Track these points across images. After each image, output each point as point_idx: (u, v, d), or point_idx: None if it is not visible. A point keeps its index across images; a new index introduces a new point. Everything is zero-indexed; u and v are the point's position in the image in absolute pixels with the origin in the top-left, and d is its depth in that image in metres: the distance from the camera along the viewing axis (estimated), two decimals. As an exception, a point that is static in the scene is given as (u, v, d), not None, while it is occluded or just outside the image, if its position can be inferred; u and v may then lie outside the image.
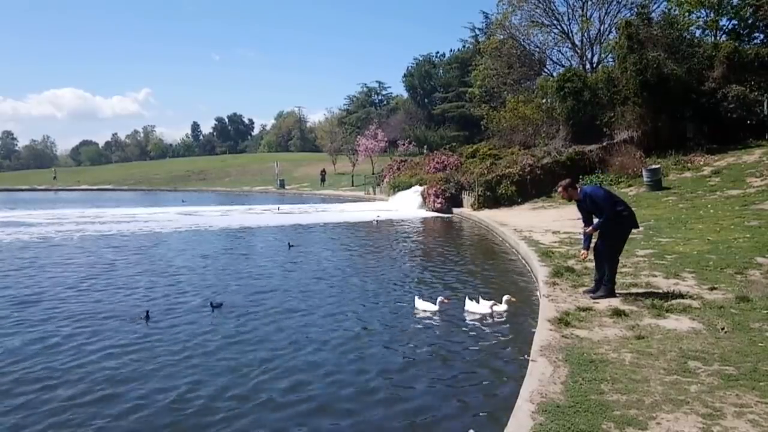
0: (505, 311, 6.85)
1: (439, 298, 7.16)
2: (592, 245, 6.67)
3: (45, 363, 5.53)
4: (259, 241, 15.20)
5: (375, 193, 33.68)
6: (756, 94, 20.58)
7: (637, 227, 6.74)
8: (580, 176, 19.73)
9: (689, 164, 18.41)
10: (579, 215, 6.81)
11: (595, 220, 6.59)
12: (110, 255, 12.51)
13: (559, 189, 6.85)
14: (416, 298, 7.44)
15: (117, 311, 7.44)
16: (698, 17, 25.61)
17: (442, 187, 22.19)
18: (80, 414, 4.40)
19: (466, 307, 7.01)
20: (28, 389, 4.88)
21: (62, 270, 10.68)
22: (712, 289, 6.54)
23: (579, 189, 6.69)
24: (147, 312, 7.03)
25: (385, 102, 78.82)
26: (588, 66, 29.48)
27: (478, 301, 7.05)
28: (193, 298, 8.22)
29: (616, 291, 6.50)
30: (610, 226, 6.37)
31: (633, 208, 6.77)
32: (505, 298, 7.02)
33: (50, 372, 5.30)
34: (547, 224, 13.65)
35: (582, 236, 6.77)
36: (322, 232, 17.37)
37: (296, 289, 8.75)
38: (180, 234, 16.83)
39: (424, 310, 7.09)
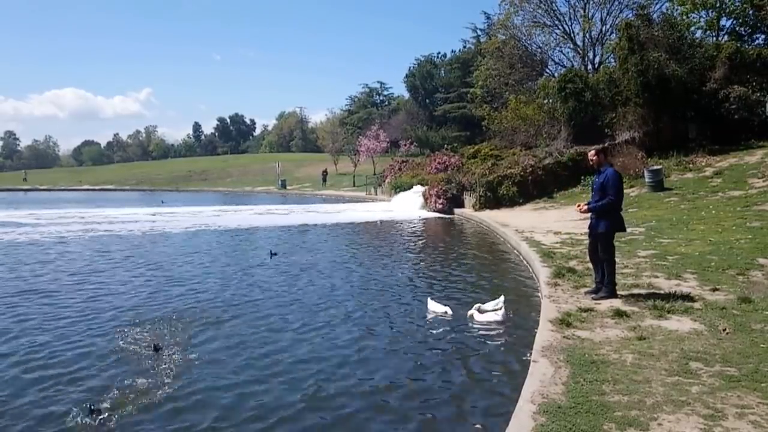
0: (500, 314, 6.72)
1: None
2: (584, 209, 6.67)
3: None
4: (244, 246, 14.62)
5: (376, 194, 33.70)
6: (758, 95, 20.54)
7: (624, 230, 6.88)
8: (582, 177, 19.74)
9: (691, 165, 18.37)
10: (579, 216, 6.83)
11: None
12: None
13: (592, 151, 6.72)
14: (429, 299, 7.40)
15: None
16: (699, 18, 25.61)
17: (444, 188, 22.18)
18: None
19: (472, 312, 6.79)
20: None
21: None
22: (713, 290, 6.54)
23: (605, 164, 6.63)
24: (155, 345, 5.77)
25: (386, 102, 78.95)
26: (589, 67, 29.45)
27: (479, 309, 6.80)
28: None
29: (618, 292, 6.51)
30: (607, 225, 6.39)
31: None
32: (448, 310, 6.99)
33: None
34: (549, 225, 13.64)
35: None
36: (326, 233, 17.38)
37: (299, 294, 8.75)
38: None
39: (434, 311, 7.04)
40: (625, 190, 6.60)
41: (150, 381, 4.94)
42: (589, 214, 6.69)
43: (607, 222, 6.40)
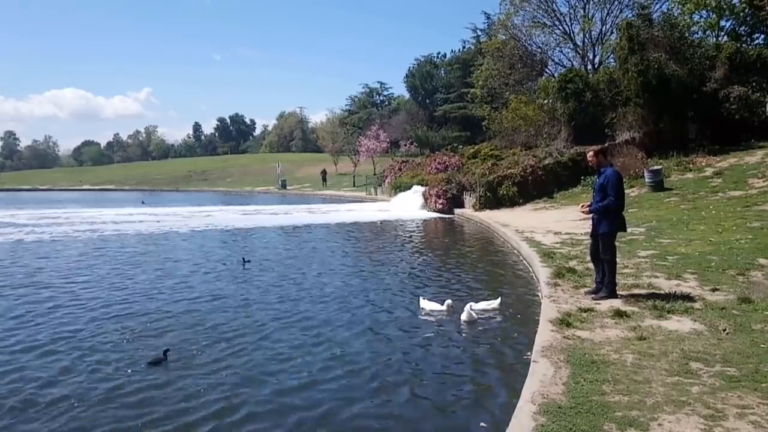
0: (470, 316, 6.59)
1: (447, 301, 7.05)
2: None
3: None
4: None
5: (376, 194, 33.69)
6: (758, 95, 20.55)
7: (625, 230, 6.89)
8: (582, 177, 19.74)
9: (691, 165, 18.37)
10: (579, 217, 6.84)
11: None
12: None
13: (591, 152, 6.71)
14: (421, 298, 7.43)
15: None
16: (700, 18, 25.62)
17: (444, 188, 22.17)
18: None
19: (463, 317, 6.65)
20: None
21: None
22: (713, 290, 6.54)
23: (605, 164, 6.62)
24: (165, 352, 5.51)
25: (386, 102, 78.94)
26: (590, 67, 29.43)
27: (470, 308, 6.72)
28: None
29: (618, 292, 6.51)
30: (608, 225, 6.38)
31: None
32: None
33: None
34: (549, 225, 13.63)
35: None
36: (327, 233, 17.38)
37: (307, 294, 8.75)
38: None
39: (431, 310, 7.06)
40: (625, 191, 6.59)
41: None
42: (590, 215, 6.70)
43: (608, 222, 6.40)
